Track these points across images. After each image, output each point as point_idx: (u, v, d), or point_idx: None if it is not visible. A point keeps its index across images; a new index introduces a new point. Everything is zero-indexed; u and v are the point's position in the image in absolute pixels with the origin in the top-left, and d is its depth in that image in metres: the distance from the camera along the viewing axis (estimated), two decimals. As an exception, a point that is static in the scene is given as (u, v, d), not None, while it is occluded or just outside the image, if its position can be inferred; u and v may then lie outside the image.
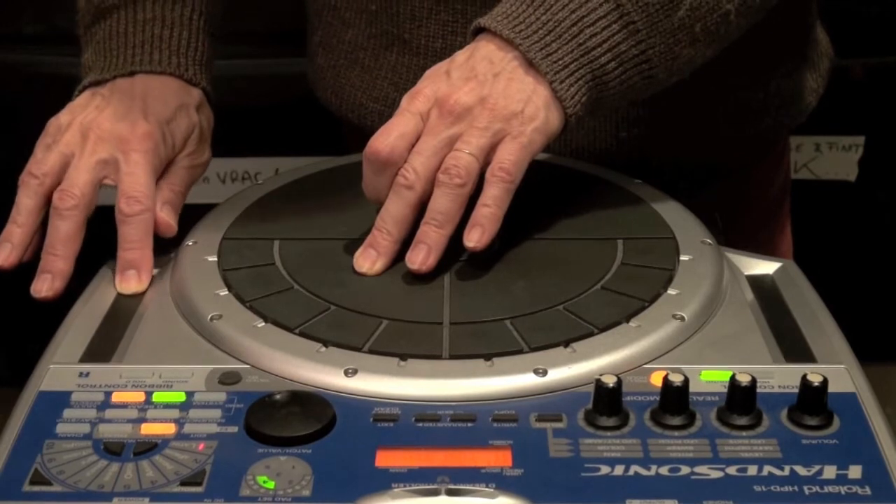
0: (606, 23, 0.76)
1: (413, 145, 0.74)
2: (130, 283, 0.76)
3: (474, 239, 0.72)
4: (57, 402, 0.64)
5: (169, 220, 0.81)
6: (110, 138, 0.81)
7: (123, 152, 0.81)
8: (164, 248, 0.80)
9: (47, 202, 0.80)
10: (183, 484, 0.58)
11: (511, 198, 0.74)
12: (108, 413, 0.63)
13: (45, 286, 0.77)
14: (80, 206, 0.79)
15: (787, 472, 0.58)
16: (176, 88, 0.88)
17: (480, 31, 0.78)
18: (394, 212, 0.74)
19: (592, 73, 0.76)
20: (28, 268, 0.79)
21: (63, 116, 0.84)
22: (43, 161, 0.81)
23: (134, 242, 0.78)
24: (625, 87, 0.78)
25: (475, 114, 0.74)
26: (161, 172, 0.83)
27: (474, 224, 0.73)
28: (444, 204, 0.73)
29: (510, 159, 0.73)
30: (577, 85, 0.75)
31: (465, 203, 0.73)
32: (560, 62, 0.75)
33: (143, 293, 0.76)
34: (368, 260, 0.74)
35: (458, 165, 0.73)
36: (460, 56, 0.77)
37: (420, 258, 0.73)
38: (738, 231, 0.87)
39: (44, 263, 0.78)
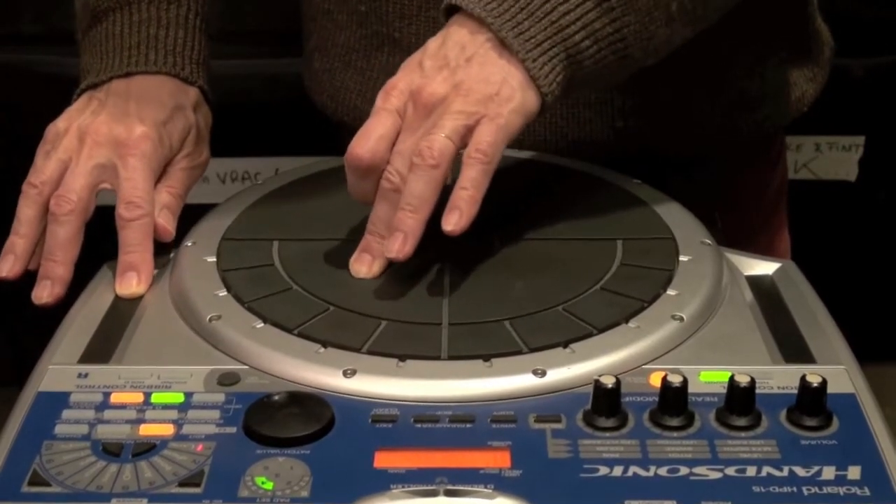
0: (579, 0, 0.75)
1: (394, 143, 0.74)
2: (130, 283, 0.76)
3: (452, 222, 0.71)
4: (56, 402, 0.64)
5: (167, 225, 0.81)
6: (107, 143, 0.81)
7: (121, 157, 0.81)
8: (164, 248, 0.80)
9: (48, 210, 0.80)
10: (181, 485, 0.58)
11: (489, 180, 0.72)
12: (107, 414, 0.63)
13: (45, 293, 0.77)
14: (76, 210, 0.78)
15: (785, 472, 0.58)
16: (172, 88, 0.87)
17: (453, 11, 0.77)
18: (383, 215, 0.73)
19: (566, 52, 0.75)
20: (27, 270, 0.79)
21: (61, 122, 0.84)
22: (42, 170, 0.81)
23: (134, 246, 0.78)
24: (600, 67, 0.76)
25: (450, 100, 0.73)
26: (159, 175, 0.83)
27: (452, 207, 0.71)
28: (417, 187, 0.72)
29: (487, 140, 0.72)
30: (551, 64, 0.74)
31: (440, 186, 0.72)
32: (532, 40, 0.74)
33: (141, 296, 0.76)
34: (364, 265, 0.74)
35: (431, 147, 0.71)
36: (433, 44, 0.76)
37: (396, 246, 0.71)
38: (736, 233, 0.87)
39: (43, 270, 0.78)
